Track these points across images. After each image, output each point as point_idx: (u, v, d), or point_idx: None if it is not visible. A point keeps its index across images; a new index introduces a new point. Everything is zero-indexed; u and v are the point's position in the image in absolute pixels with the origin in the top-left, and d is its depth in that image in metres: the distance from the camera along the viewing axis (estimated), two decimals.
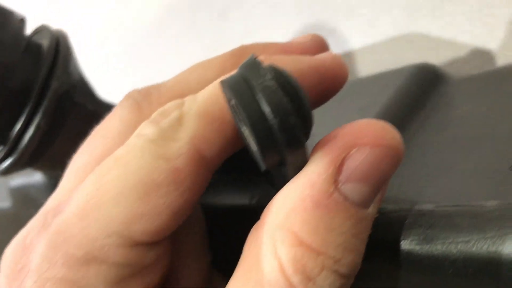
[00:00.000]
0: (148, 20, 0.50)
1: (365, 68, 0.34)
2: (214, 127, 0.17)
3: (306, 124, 0.15)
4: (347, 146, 0.15)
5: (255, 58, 0.15)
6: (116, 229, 0.17)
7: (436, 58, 0.30)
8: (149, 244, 0.17)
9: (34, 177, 0.29)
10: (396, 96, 0.23)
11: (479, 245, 0.15)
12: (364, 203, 0.15)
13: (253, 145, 0.16)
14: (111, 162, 0.17)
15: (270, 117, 0.14)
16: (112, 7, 0.54)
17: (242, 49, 0.21)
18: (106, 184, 0.17)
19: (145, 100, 0.20)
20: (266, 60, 0.18)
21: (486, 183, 0.16)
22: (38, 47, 0.24)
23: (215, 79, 0.19)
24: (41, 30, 0.25)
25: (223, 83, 0.15)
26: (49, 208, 0.19)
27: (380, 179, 0.15)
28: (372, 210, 0.15)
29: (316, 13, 0.36)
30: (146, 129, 0.18)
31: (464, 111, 0.22)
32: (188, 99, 0.18)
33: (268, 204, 0.16)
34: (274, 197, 0.16)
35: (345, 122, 0.24)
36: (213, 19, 0.44)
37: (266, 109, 0.14)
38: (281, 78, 0.15)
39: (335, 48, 0.35)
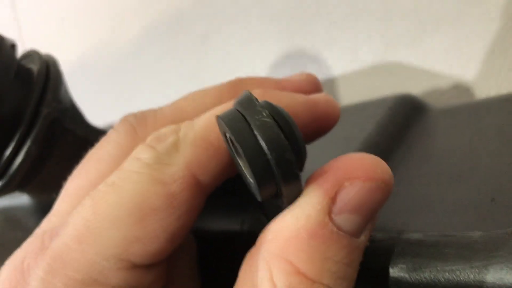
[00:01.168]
0: (128, 43, 0.50)
1: (347, 95, 0.35)
2: (210, 153, 0.18)
3: (300, 159, 0.16)
4: (341, 179, 0.15)
5: (251, 94, 0.16)
6: (115, 253, 0.17)
7: (414, 87, 0.31)
8: (147, 266, 0.18)
9: (19, 199, 0.29)
10: (379, 127, 0.24)
11: (465, 273, 0.16)
12: (356, 233, 0.16)
13: (248, 177, 0.16)
14: (107, 186, 0.18)
15: (267, 152, 0.15)
16: (93, 30, 0.54)
17: (238, 82, 0.21)
18: (103, 209, 0.17)
19: (140, 125, 0.20)
20: (262, 94, 0.19)
21: (470, 215, 0.17)
22: (28, 72, 0.24)
23: (211, 107, 0.20)
24: (30, 55, 0.25)
25: (220, 117, 0.16)
26: (45, 230, 0.19)
27: (372, 211, 0.16)
28: (363, 238, 0.16)
29: (297, 41, 0.37)
30: (142, 153, 0.18)
31: (445, 144, 0.23)
32: (184, 125, 0.18)
33: (263, 232, 0.16)
34: (269, 225, 0.16)
35: (331, 150, 0.25)
36: (194, 44, 0.44)
37: (263, 144, 0.15)
38: (276, 114, 0.15)
39: (317, 75, 0.36)
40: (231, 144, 0.17)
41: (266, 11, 0.39)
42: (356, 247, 0.16)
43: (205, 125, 0.18)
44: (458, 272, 0.16)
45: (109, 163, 0.20)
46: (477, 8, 0.29)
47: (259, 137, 0.15)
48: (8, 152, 0.22)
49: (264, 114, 0.15)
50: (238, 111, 0.16)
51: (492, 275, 0.15)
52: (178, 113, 0.21)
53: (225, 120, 0.15)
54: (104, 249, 0.17)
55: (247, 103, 0.16)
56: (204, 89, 0.21)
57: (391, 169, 0.22)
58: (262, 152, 0.15)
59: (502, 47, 0.28)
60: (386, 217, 0.19)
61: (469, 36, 0.29)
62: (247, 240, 0.17)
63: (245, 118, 0.15)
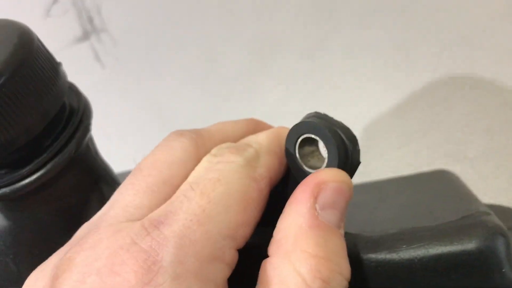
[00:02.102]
0: None
1: None
2: (277, 161, 0.24)
3: None
4: (319, 183, 0.21)
5: (321, 112, 0.24)
6: (230, 233, 0.20)
7: None
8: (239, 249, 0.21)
9: None
10: None
11: (434, 247, 0.24)
12: (337, 224, 0.21)
13: (325, 162, 0.22)
14: (212, 180, 0.21)
15: (348, 143, 0.22)
16: None
17: (255, 120, 0.28)
18: (215, 198, 0.21)
19: (200, 139, 0.24)
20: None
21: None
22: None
23: (243, 134, 0.26)
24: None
25: (308, 123, 0.23)
26: (132, 220, 0.21)
27: (343, 205, 0.21)
28: (342, 231, 0.21)
29: None
30: (233, 158, 0.22)
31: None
32: (253, 141, 0.24)
33: (271, 242, 0.21)
34: (273, 234, 0.21)
35: None
36: None
37: (345, 138, 0.22)
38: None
39: None
40: (297, 148, 0.23)
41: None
42: (341, 235, 0.21)
43: (271, 141, 0.24)
44: (428, 247, 0.24)
45: (180, 166, 0.23)
46: None
47: (341, 134, 0.22)
48: (54, 145, 0.24)
49: (340, 121, 0.23)
50: (320, 120, 0.23)
51: (454, 245, 0.24)
52: (223, 135, 0.25)
53: (316, 124, 0.22)
54: (222, 230, 0.20)
55: (325, 116, 0.23)
56: (233, 121, 0.27)
57: None
58: (344, 143, 0.22)
59: None
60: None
61: None
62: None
63: (328, 124, 0.22)
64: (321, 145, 0.23)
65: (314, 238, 0.20)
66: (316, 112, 0.24)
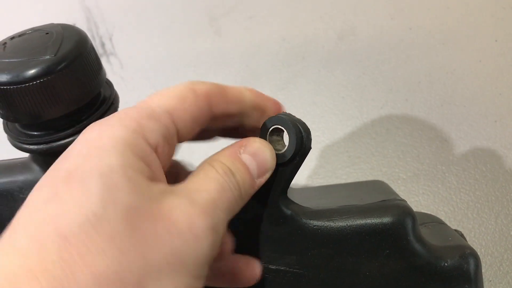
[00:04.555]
0: None
1: None
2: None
3: None
4: (248, 139, 0.29)
5: (287, 112, 0.33)
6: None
7: None
8: None
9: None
10: None
11: (356, 219, 0.33)
12: (252, 170, 0.28)
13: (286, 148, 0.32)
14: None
15: (304, 133, 0.31)
16: None
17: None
18: None
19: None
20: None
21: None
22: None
23: None
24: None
25: (280, 117, 0.32)
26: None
27: (262, 161, 0.28)
28: (257, 182, 0.28)
29: None
30: None
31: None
32: None
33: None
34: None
35: None
36: None
37: (302, 129, 0.31)
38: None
39: None
40: (268, 135, 0.32)
41: None
42: (251, 178, 0.27)
43: None
44: (352, 218, 0.33)
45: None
46: None
47: (299, 126, 0.31)
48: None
49: (299, 118, 0.32)
50: (287, 116, 0.32)
51: (374, 218, 0.33)
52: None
53: (282, 118, 0.32)
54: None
55: (289, 114, 0.32)
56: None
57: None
58: (301, 132, 0.31)
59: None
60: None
61: None
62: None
63: (291, 119, 0.32)
64: (285, 134, 0.32)
65: (230, 161, 0.27)
66: (283, 112, 0.33)
